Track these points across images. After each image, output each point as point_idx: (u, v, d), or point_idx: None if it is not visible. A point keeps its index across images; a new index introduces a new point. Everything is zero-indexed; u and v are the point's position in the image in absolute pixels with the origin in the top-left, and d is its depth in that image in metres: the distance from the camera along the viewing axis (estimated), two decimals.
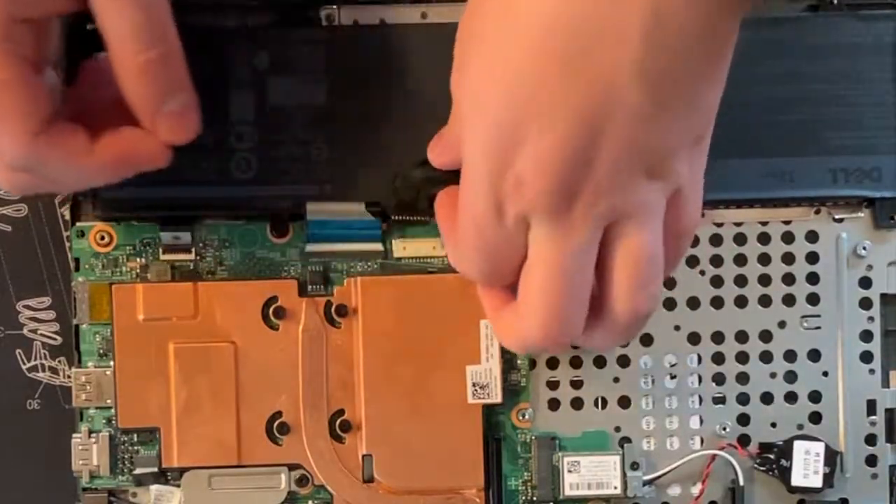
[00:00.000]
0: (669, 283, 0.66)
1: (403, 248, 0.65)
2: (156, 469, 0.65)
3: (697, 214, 0.56)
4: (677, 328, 0.66)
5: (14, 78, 0.53)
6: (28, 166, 0.55)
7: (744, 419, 0.67)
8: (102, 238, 0.65)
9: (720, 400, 0.67)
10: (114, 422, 0.65)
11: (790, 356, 0.67)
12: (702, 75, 0.51)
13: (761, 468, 0.66)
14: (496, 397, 0.65)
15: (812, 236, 0.67)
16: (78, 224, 0.65)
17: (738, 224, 0.66)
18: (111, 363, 0.64)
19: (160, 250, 0.65)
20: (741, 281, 0.67)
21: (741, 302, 0.67)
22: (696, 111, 0.52)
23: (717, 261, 0.66)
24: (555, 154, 0.50)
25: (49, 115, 0.55)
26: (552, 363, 0.66)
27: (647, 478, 0.66)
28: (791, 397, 0.67)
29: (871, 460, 0.67)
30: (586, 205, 0.51)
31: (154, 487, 0.65)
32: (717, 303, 0.67)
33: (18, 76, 0.53)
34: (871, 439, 0.67)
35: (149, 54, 0.54)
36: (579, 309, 0.54)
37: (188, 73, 0.57)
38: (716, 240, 0.66)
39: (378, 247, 0.65)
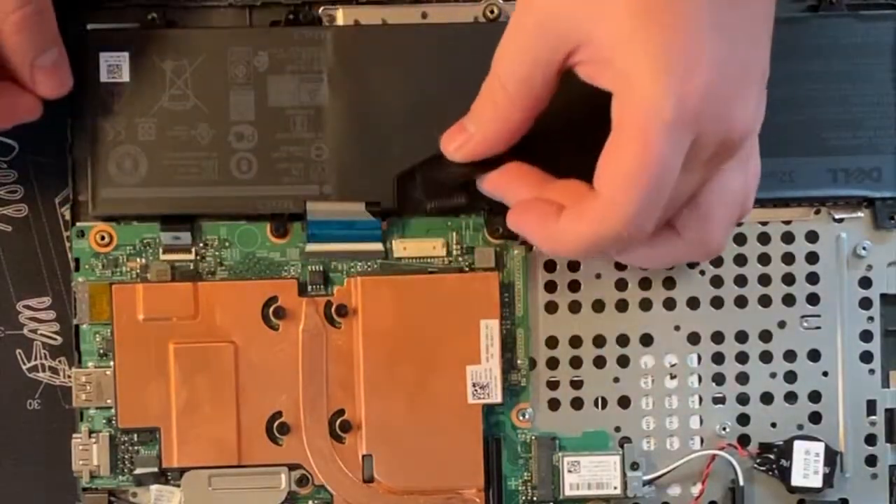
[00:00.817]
0: (669, 284, 0.66)
1: (403, 248, 0.65)
2: (156, 469, 0.65)
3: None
4: (677, 328, 0.67)
5: None
6: None
7: (744, 419, 0.67)
8: (102, 238, 0.65)
9: (720, 400, 0.67)
10: (114, 422, 0.64)
11: (790, 356, 0.67)
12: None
13: (761, 468, 0.66)
14: (496, 397, 0.65)
15: (812, 236, 0.67)
16: (78, 224, 0.65)
17: (739, 224, 0.66)
18: (111, 363, 0.64)
19: (160, 250, 0.65)
20: (741, 281, 0.67)
21: (741, 302, 0.67)
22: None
23: (717, 261, 0.66)
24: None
25: None
26: (552, 363, 0.66)
27: (647, 478, 0.66)
28: (791, 397, 0.67)
29: (871, 460, 0.67)
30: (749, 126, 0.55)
31: (154, 487, 0.65)
32: (717, 303, 0.67)
33: None
34: (870, 439, 0.67)
35: (25, 10, 0.56)
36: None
37: (57, 29, 0.59)
38: None
39: (378, 247, 0.65)
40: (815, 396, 0.67)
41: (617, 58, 0.53)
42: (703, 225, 0.58)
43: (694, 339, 0.67)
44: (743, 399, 0.67)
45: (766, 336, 0.67)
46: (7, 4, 0.57)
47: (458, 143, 0.59)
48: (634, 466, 0.66)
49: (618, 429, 0.67)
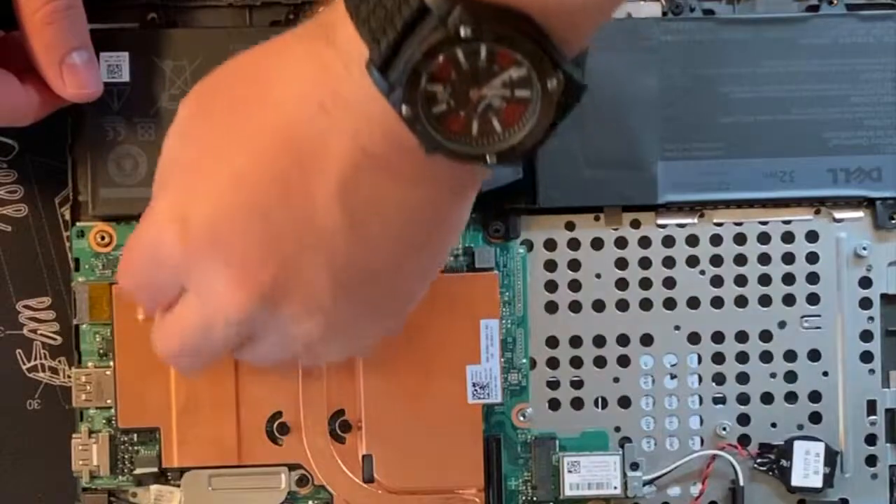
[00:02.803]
0: (669, 283, 0.66)
1: None
2: (156, 469, 0.65)
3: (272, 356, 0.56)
4: (677, 328, 0.67)
5: None
6: None
7: (744, 419, 0.67)
8: (102, 238, 0.65)
9: (720, 400, 0.67)
10: (114, 422, 0.64)
11: (790, 356, 0.67)
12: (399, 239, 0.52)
13: (761, 468, 0.66)
14: (496, 397, 0.65)
15: (812, 236, 0.67)
16: (78, 224, 0.65)
17: (738, 224, 0.66)
18: (111, 363, 0.64)
19: None
20: (741, 281, 0.67)
21: (741, 302, 0.67)
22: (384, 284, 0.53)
23: (717, 261, 0.66)
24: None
25: None
26: (552, 363, 0.66)
27: (647, 478, 0.66)
28: (791, 397, 0.67)
29: (871, 460, 0.67)
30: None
31: (154, 487, 0.65)
32: (717, 303, 0.67)
33: None
34: (871, 439, 0.67)
35: (55, 3, 0.56)
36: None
37: (88, 33, 0.59)
38: (716, 240, 0.66)
39: None
40: (815, 396, 0.67)
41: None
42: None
43: (694, 339, 0.67)
44: (743, 399, 0.67)
45: (766, 336, 0.67)
46: None
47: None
48: (634, 466, 0.66)
49: (618, 429, 0.67)
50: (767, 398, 0.67)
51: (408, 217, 0.51)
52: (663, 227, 0.66)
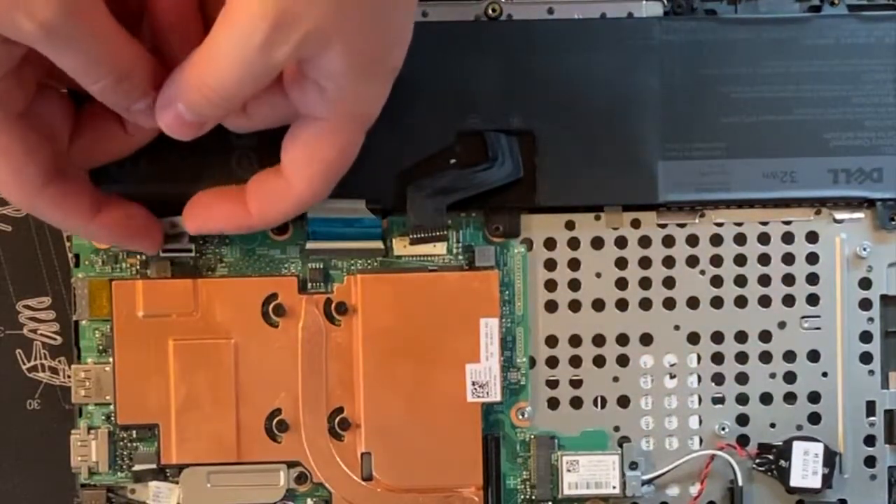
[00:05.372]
0: (669, 283, 0.66)
1: (403, 245, 0.65)
2: (155, 465, 0.65)
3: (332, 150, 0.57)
4: (677, 328, 0.67)
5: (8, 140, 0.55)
6: (32, 213, 0.59)
7: (743, 419, 0.67)
8: None
9: (720, 400, 0.67)
10: (113, 418, 0.64)
11: (790, 356, 0.67)
12: None
13: (760, 468, 0.66)
14: (495, 396, 0.65)
15: (812, 237, 0.67)
16: None
17: (738, 224, 0.66)
18: (111, 359, 0.64)
19: None
20: (741, 281, 0.67)
21: (741, 302, 0.67)
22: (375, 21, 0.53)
23: (717, 261, 0.66)
24: None
25: (51, 166, 0.57)
26: (552, 362, 0.66)
27: (646, 477, 0.66)
28: (790, 397, 0.67)
29: (870, 461, 0.67)
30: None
31: (153, 484, 0.65)
32: (717, 303, 0.67)
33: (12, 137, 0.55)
34: (869, 440, 0.67)
35: (99, 84, 0.54)
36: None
37: (149, 81, 0.55)
38: (716, 240, 0.66)
39: (378, 244, 0.65)
40: (814, 397, 0.67)
41: None
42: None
43: (694, 339, 0.67)
44: (742, 399, 0.67)
45: (766, 336, 0.67)
46: (81, 80, 0.54)
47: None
48: (633, 466, 0.66)
49: (617, 428, 0.66)
50: (767, 398, 0.67)
51: None
52: (663, 226, 0.66)
